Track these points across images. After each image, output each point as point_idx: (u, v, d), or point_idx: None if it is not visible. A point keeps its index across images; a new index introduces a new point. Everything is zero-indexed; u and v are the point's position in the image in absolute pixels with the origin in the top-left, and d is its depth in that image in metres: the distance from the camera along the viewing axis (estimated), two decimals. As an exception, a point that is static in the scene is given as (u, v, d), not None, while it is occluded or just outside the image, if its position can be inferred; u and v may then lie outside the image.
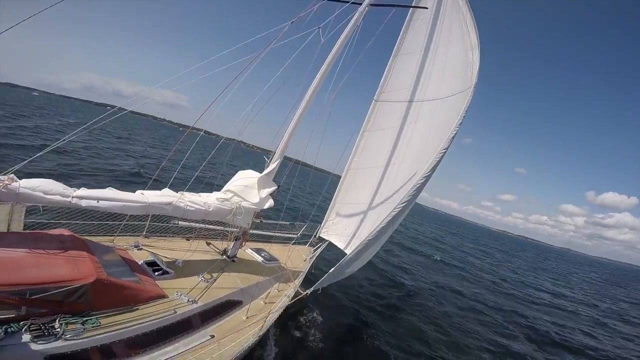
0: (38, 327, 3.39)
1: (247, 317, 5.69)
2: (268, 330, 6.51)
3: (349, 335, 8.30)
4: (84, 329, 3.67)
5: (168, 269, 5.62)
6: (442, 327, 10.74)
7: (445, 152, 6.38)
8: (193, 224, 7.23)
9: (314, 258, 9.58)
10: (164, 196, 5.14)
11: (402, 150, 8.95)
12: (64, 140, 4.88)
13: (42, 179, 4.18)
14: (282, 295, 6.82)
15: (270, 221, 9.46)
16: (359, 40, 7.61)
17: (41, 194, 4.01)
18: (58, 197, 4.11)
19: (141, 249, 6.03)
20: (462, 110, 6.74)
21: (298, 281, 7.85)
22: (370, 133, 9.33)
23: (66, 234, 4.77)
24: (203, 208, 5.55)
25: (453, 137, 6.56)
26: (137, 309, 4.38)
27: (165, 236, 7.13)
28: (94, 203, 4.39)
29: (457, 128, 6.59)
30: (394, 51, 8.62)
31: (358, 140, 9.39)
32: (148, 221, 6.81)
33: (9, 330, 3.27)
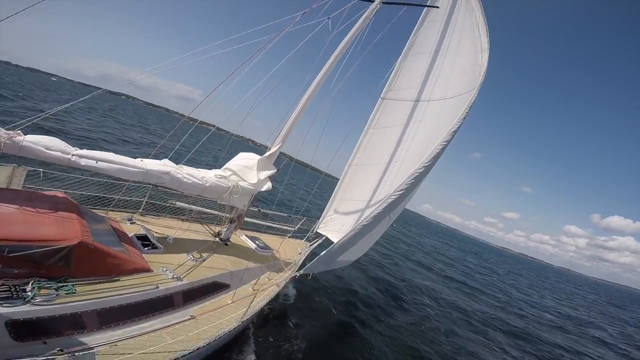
0: (7, 289, 3.19)
1: (233, 302, 5.41)
2: (249, 327, 6.28)
3: (333, 343, 7.88)
4: (57, 295, 3.48)
5: (158, 244, 5.56)
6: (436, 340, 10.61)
7: (447, 145, 6.28)
8: (189, 206, 7.30)
9: (309, 252, 9.60)
10: (162, 165, 5.14)
11: (405, 148, 8.89)
12: (47, 113, 4.60)
13: (47, 136, 4.25)
14: (271, 284, 6.67)
15: (267, 210, 9.49)
16: (368, 36, 7.73)
17: (43, 149, 4.09)
18: (59, 154, 4.18)
19: (134, 222, 6.02)
20: (466, 106, 6.70)
21: (290, 272, 7.73)
22: (375, 130, 9.29)
23: (60, 195, 4.75)
24: (200, 182, 5.55)
25: (455, 131, 6.48)
26: (118, 280, 4.23)
27: (161, 216, 7.14)
28: (92, 163, 4.44)
29: (460, 122, 6.51)
30: (404, 50, 8.58)
31: (362, 136, 9.35)
32: (145, 198, 6.85)
33: None
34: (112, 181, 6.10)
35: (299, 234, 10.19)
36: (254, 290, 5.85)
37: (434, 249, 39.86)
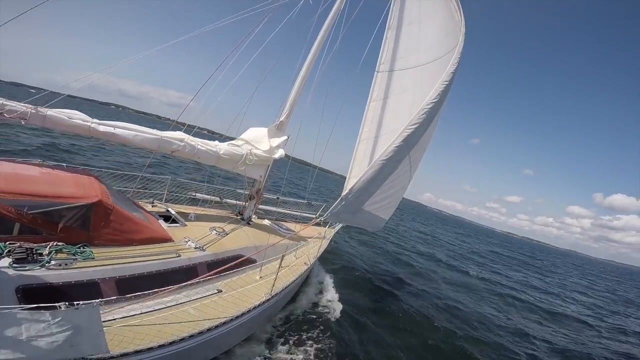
0: (24, 251, 2.98)
1: (261, 278, 5.12)
2: (278, 305, 5.77)
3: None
4: (75, 260, 3.24)
5: (179, 219, 5.34)
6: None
7: (447, 84, 6.24)
8: (209, 197, 7.28)
9: (333, 235, 9.24)
10: (176, 133, 5.20)
11: (408, 114, 8.83)
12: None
13: (67, 109, 4.54)
14: (299, 263, 6.25)
15: (287, 198, 9.34)
16: (350, 15, 8.17)
17: (65, 117, 4.22)
18: (79, 122, 4.25)
19: (155, 205, 5.89)
20: (455, 54, 6.76)
21: (316, 252, 7.39)
22: (377, 103, 9.37)
23: (80, 169, 4.66)
24: (214, 149, 5.42)
25: (453, 72, 6.51)
26: (138, 249, 3.95)
27: (182, 205, 6.94)
28: (110, 130, 4.50)
29: (456, 64, 6.54)
30: (387, 24, 8.90)
31: (365, 111, 9.39)
32: (166, 189, 6.84)
33: None
34: (132, 173, 6.24)
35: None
36: (280, 267, 5.32)
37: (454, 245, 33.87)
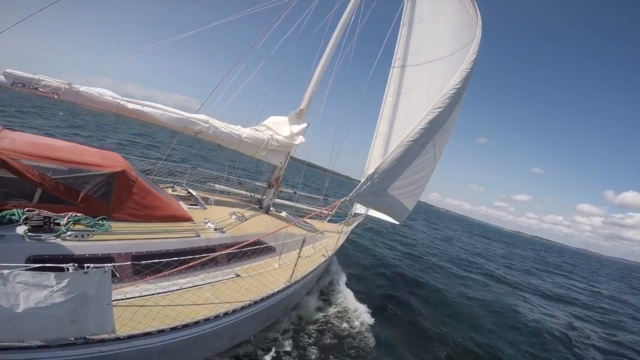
0: (41, 219, 2.85)
1: (279, 266, 4.92)
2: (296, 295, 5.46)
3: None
4: (92, 232, 3.09)
5: (200, 201, 5.25)
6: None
7: (468, 72, 6.16)
8: (228, 188, 7.24)
9: (350, 230, 8.95)
10: (201, 116, 5.15)
11: (425, 108, 8.76)
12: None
13: (99, 87, 4.61)
14: (317, 255, 6.02)
15: (304, 193, 9.22)
16: (365, 12, 8.29)
17: (97, 94, 4.28)
18: (110, 99, 4.24)
19: (175, 190, 5.82)
20: (474, 44, 6.72)
21: (335, 245, 7.16)
22: (393, 98, 9.34)
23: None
24: (237, 132, 5.32)
25: (474, 61, 6.43)
26: (157, 225, 3.79)
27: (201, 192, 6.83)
28: (138, 107, 4.46)
29: (476, 54, 6.48)
30: (402, 21, 9.01)
31: (382, 106, 9.33)
32: (186, 178, 6.77)
33: (7, 217, 2.78)
34: (153, 160, 6.27)
35: (337, 218, 9.56)
36: (299, 257, 5.10)
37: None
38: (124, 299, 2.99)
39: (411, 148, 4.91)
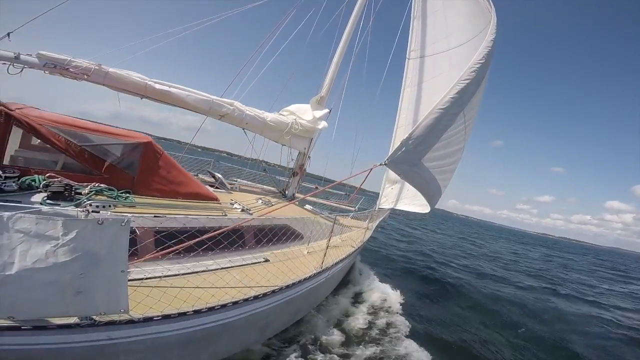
0: (62, 186, 2.64)
1: (308, 253, 4.62)
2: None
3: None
4: (115, 204, 2.83)
5: (225, 184, 5.06)
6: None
7: (490, 49, 5.95)
8: (251, 183, 7.10)
9: (376, 225, 8.49)
10: (226, 100, 5.00)
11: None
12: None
13: (127, 70, 4.65)
14: (345, 245, 5.68)
15: (325, 188, 8.89)
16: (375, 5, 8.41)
17: (125, 74, 4.32)
18: (137, 79, 4.23)
19: (199, 178, 5.45)
20: (491, 27, 6.61)
21: (362, 237, 6.83)
22: (411, 89, 9.20)
23: None
24: (262, 116, 5.13)
25: (493, 39, 6.24)
26: (182, 202, 3.55)
27: None
28: (165, 88, 4.37)
29: (494, 34, 6.33)
30: (413, 13, 9.14)
31: (401, 98, 9.19)
32: (210, 166, 6.69)
33: (27, 182, 2.59)
34: (176, 154, 6.20)
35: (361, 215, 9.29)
36: (327, 247, 4.72)
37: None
38: (143, 278, 2.58)
39: (443, 116, 4.64)
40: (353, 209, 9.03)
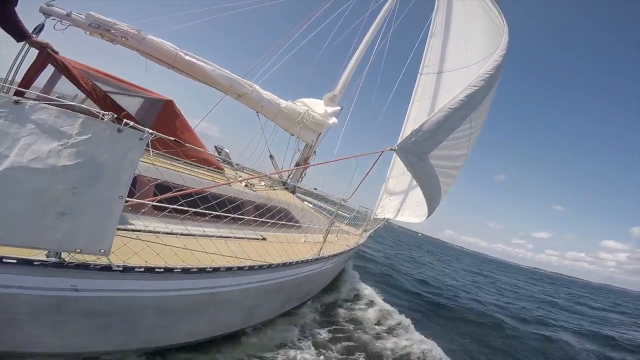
0: None
1: (305, 241, 4.67)
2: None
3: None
4: None
5: (230, 161, 5.35)
6: None
7: (499, 63, 6.33)
8: (255, 170, 7.33)
9: (370, 232, 8.64)
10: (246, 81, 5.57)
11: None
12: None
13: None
14: (341, 244, 5.67)
15: (324, 193, 9.04)
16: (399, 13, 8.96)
17: (161, 41, 4.68)
18: (170, 48, 4.65)
19: None
20: (502, 44, 7.04)
21: (358, 240, 6.93)
22: (420, 103, 9.59)
23: None
24: (277, 101, 5.35)
25: (503, 55, 6.66)
26: (189, 163, 3.61)
27: None
28: (194, 60, 4.81)
29: (504, 50, 6.77)
30: (430, 31, 9.59)
31: (409, 110, 9.60)
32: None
33: None
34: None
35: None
36: (324, 240, 4.73)
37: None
38: (135, 230, 2.38)
39: (451, 115, 4.93)
40: (347, 215, 9.18)
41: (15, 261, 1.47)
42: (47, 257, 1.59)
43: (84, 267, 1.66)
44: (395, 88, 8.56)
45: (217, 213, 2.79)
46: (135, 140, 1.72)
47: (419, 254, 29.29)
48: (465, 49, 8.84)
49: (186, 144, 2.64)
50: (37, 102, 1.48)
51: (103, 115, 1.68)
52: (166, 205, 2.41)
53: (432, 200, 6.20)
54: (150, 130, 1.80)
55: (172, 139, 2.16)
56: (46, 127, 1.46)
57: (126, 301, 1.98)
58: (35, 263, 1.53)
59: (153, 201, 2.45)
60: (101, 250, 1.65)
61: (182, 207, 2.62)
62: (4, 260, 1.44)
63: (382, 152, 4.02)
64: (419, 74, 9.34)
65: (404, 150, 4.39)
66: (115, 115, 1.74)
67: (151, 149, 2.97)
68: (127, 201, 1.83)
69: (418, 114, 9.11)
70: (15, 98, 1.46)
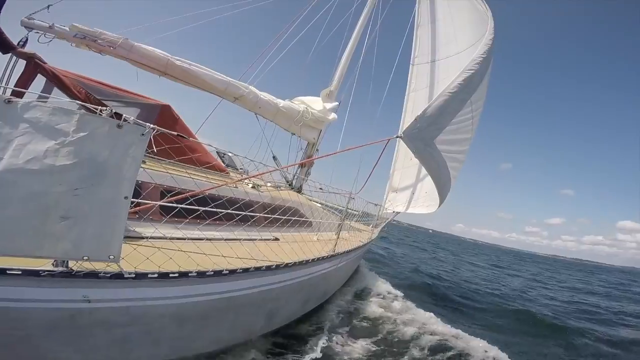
0: None
1: (318, 240, 4.52)
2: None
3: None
4: None
5: (234, 163, 5.21)
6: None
7: (490, 46, 6.29)
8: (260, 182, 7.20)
9: (380, 230, 8.56)
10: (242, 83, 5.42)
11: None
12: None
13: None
14: (354, 239, 5.54)
15: (331, 191, 8.90)
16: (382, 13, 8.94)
17: (150, 49, 4.43)
18: (160, 54, 4.49)
19: None
20: (488, 24, 7.05)
21: (369, 236, 6.77)
22: (415, 93, 9.54)
23: None
24: (274, 101, 5.22)
25: (492, 38, 6.64)
26: (193, 168, 3.42)
27: None
28: (186, 65, 4.67)
29: (492, 35, 6.75)
30: (416, 21, 9.55)
31: (405, 103, 9.57)
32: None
33: None
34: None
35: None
36: (336, 237, 4.64)
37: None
38: (142, 237, 2.25)
39: (452, 99, 4.87)
40: (355, 212, 9.07)
41: (20, 272, 1.33)
42: (54, 266, 1.46)
43: (93, 275, 1.54)
44: (390, 80, 8.36)
45: (228, 211, 2.70)
46: (137, 135, 1.61)
47: (444, 254, 27.06)
48: (454, 37, 8.87)
49: (190, 138, 2.48)
50: (30, 100, 1.39)
51: (101, 110, 1.54)
52: (175, 205, 2.30)
53: (443, 187, 6.11)
54: (152, 125, 1.69)
55: (175, 133, 2.06)
56: (41, 125, 1.35)
57: (142, 310, 1.85)
58: (42, 274, 1.40)
59: (159, 203, 2.38)
60: (110, 257, 1.53)
61: (192, 207, 2.49)
62: (8, 271, 1.31)
63: (389, 139, 3.92)
64: (410, 65, 9.29)
65: (410, 137, 4.30)
66: (114, 110, 1.61)
67: (154, 155, 2.75)
68: (134, 205, 1.76)
69: (416, 104, 9.07)
70: (7, 97, 1.36)
